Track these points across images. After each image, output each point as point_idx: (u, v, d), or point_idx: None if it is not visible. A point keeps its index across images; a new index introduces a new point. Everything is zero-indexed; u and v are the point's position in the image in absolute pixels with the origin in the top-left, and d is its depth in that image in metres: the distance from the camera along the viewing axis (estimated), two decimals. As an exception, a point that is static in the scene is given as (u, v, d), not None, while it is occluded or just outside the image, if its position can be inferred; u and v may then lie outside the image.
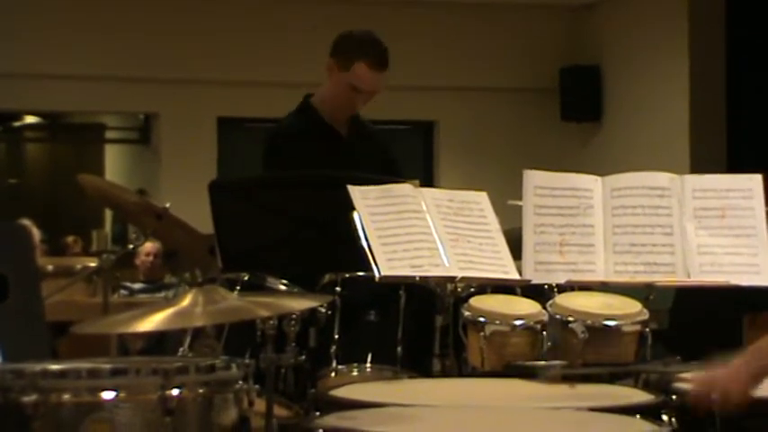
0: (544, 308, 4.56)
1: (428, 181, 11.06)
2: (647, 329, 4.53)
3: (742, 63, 11.41)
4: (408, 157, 11.89)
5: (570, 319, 4.51)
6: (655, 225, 4.26)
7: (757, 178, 4.27)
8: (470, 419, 3.47)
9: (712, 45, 11.66)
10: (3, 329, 3.88)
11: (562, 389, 4.08)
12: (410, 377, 4.37)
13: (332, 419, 3.34)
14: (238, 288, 4.38)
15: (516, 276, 4.44)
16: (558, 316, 4.53)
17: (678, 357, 4.35)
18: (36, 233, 9.42)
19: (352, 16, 12.32)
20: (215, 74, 12.60)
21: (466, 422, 3.40)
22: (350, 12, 12.43)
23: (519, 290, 4.57)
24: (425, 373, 4.41)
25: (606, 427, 3.37)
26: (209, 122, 12.97)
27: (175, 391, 3.61)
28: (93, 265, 9.25)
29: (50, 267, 8.77)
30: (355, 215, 4.28)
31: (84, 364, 3.79)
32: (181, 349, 4.52)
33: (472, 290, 4.51)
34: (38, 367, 3.66)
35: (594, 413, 3.50)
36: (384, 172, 5.12)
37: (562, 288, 4.56)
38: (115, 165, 15.42)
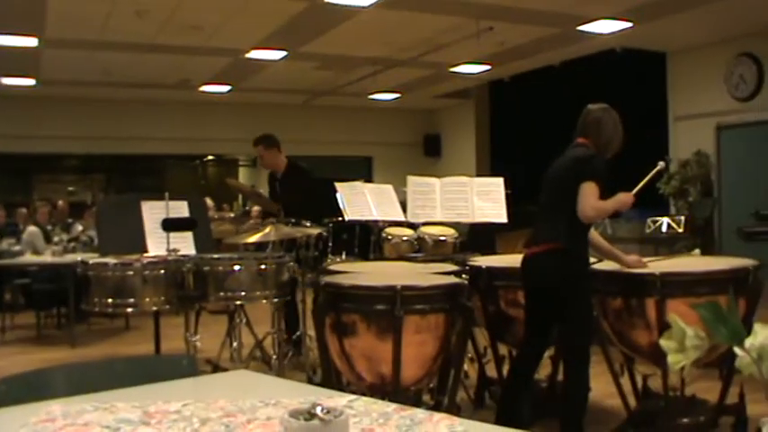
0: (415, 232, 4.54)
1: (368, 180, 10.88)
2: (458, 241, 4.51)
3: (498, 137, 11.55)
4: (360, 174, 12.05)
5: (426, 237, 4.48)
6: (460, 198, 4.21)
7: (500, 179, 4.21)
8: (386, 275, 3.37)
9: (484, 128, 11.80)
10: (196, 241, 3.79)
11: (423, 265, 3.98)
12: (360, 261, 4.30)
13: (328, 277, 3.25)
14: (290, 224, 4.28)
15: (404, 219, 4.35)
16: (421, 235, 4.50)
17: (470, 252, 4.34)
18: (210, 203, 9.25)
19: (342, 110, 12.23)
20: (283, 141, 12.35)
21: (384, 275, 3.30)
22: (344, 110, 12.31)
23: (406, 224, 4.51)
24: (366, 259, 4.36)
25: (440, 277, 3.30)
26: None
27: (263, 266, 3.62)
28: (233, 215, 9.25)
29: (216, 216, 8.79)
30: (338, 195, 4.24)
31: (227, 255, 3.79)
32: (267, 249, 4.47)
33: (386, 225, 4.46)
34: (207, 256, 3.70)
35: (437, 273, 3.45)
36: (308, 191, 4.86)
37: (424, 224, 4.48)
38: (243, 175, 15.27)
